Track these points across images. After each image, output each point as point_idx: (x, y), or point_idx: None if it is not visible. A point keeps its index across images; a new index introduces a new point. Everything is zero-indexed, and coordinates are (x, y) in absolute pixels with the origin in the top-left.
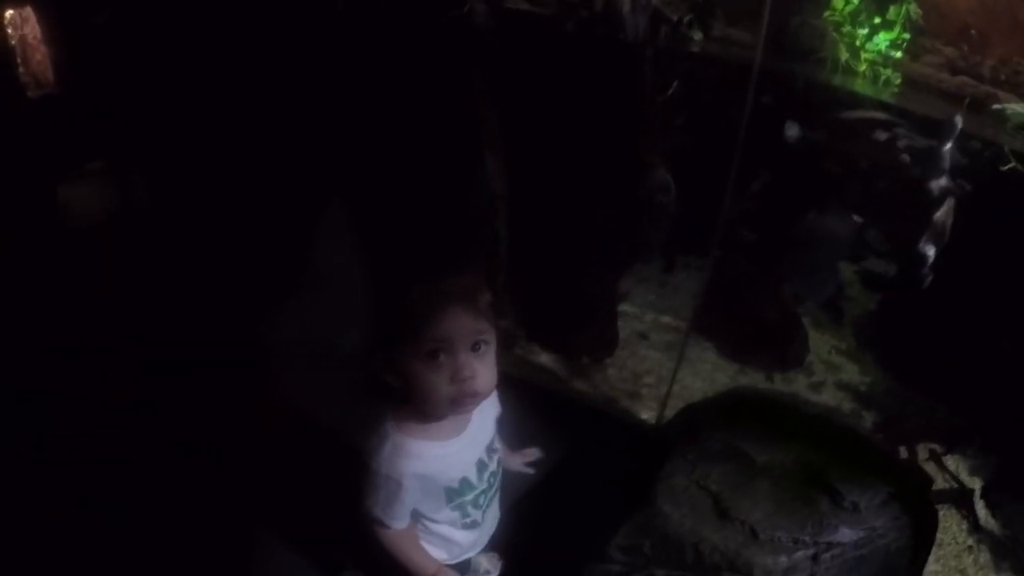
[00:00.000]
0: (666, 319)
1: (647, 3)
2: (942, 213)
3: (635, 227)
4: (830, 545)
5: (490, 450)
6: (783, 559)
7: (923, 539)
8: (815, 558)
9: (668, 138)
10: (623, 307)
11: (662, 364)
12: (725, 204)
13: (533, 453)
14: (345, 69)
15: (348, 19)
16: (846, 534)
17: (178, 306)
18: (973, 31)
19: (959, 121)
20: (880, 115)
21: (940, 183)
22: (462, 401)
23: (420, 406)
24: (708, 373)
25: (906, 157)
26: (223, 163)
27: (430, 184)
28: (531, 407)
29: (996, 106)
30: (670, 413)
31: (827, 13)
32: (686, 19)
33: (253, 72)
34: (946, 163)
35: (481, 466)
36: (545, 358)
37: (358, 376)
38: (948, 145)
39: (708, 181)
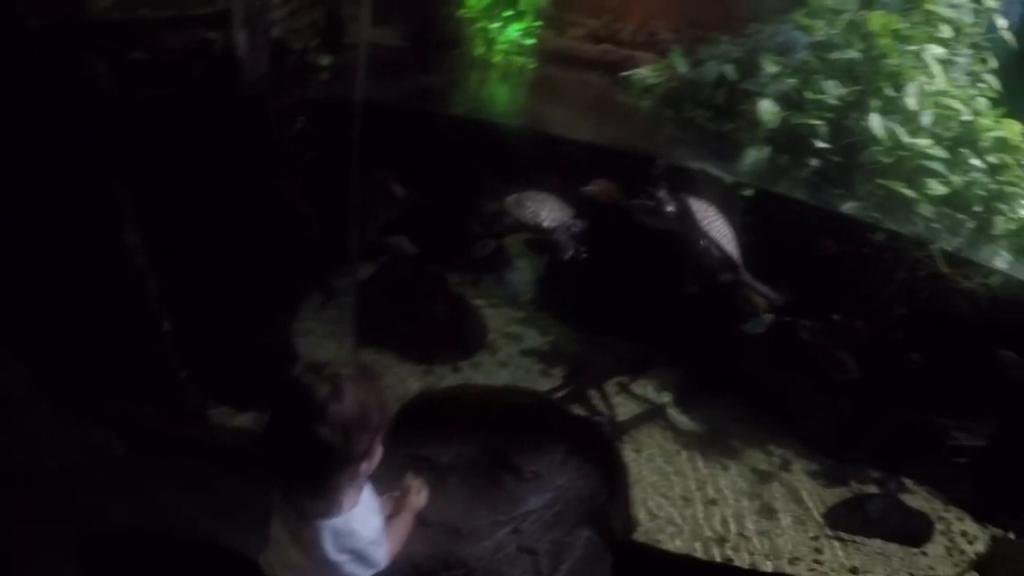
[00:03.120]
0: (344, 343)
1: (267, 40)
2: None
3: (286, 268)
4: (526, 515)
5: None
6: (488, 543)
7: (614, 473)
8: (516, 531)
9: (302, 171)
10: (301, 345)
11: None
12: (355, 220)
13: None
14: None
15: None
16: (535, 501)
17: None
18: (613, 2)
19: None
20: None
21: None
22: None
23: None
24: (397, 383)
25: None
26: None
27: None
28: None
29: (624, 73)
30: None
31: (463, 10)
32: (312, 45)
33: None
34: None
35: None
36: (243, 419)
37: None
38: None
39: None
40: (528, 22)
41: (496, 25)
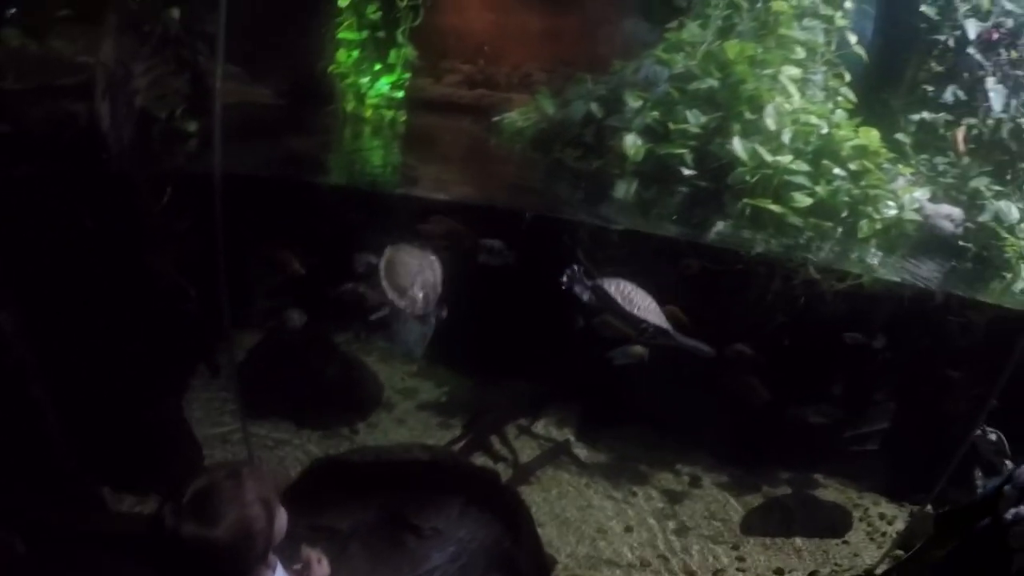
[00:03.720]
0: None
1: (131, 109)
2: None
3: (169, 344)
4: (430, 572)
5: None
6: None
7: (516, 518)
8: None
9: (176, 242)
10: (193, 421)
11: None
12: (225, 291)
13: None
14: None
15: None
16: (438, 557)
17: None
18: (487, 47)
19: None
20: None
21: None
22: None
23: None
24: (291, 452)
25: None
26: None
27: None
28: None
29: (496, 118)
30: None
31: (334, 66)
32: (178, 111)
33: None
34: None
35: None
36: (145, 505)
37: None
38: None
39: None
40: (398, 74)
41: (366, 79)
